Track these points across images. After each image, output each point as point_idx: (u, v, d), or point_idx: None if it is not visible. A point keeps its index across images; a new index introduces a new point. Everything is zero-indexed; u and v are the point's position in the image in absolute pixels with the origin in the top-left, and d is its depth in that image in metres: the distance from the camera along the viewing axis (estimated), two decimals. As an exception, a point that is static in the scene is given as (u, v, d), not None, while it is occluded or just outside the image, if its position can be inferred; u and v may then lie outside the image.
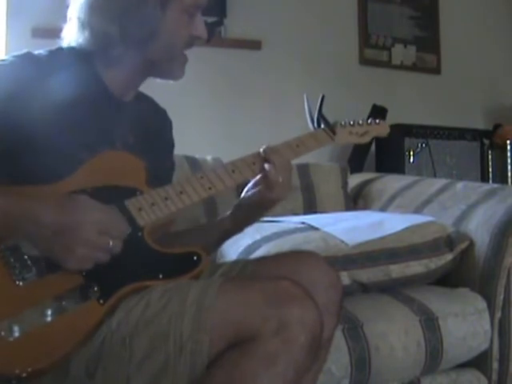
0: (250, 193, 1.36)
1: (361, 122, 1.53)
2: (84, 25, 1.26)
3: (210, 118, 3.09)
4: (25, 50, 1.25)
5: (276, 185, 1.30)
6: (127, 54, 1.28)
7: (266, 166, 1.31)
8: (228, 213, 1.41)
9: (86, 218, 1.08)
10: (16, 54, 1.24)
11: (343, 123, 1.50)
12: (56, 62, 1.26)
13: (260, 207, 1.37)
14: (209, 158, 2.32)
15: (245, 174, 1.32)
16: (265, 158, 1.32)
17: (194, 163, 2.23)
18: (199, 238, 1.39)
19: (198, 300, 1.06)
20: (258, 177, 1.34)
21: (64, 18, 1.32)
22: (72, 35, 1.29)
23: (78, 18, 1.27)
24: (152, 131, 1.43)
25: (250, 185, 1.37)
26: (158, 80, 1.37)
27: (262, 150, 1.34)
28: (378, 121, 1.57)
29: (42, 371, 1.02)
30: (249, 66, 3.23)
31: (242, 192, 1.39)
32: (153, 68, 1.33)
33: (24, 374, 0.99)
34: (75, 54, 1.30)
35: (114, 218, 1.13)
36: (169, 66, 1.33)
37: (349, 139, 1.52)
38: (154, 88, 1.43)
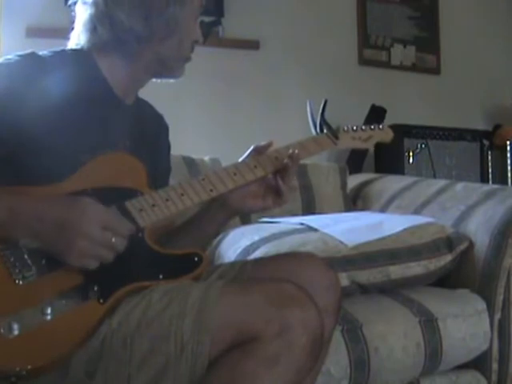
0: (260, 204, 1.37)
1: (364, 127, 1.52)
2: (104, 16, 1.27)
3: (208, 118, 3.09)
4: (29, 50, 1.25)
5: (286, 198, 1.35)
6: (144, 51, 1.30)
7: (281, 184, 1.33)
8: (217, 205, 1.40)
9: (89, 213, 1.08)
10: (20, 53, 1.24)
11: (346, 128, 1.49)
12: (60, 63, 1.26)
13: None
14: (206, 158, 2.32)
15: (246, 177, 1.33)
16: (274, 167, 1.34)
17: (191, 164, 2.22)
18: (197, 235, 1.40)
19: (199, 301, 1.06)
20: (255, 186, 1.36)
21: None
22: (82, 28, 1.30)
23: (96, 9, 1.27)
24: (150, 134, 1.44)
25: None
26: (154, 80, 1.39)
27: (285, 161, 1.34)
28: (381, 126, 1.55)
29: (42, 369, 1.02)
30: (247, 66, 3.22)
31: None
32: (161, 66, 1.35)
33: (23, 372, 1.00)
34: (78, 54, 1.30)
35: (118, 217, 1.13)
36: (176, 64, 1.36)
37: (352, 144, 1.51)
38: (153, 88, 1.43)
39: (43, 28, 2.63)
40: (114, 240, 1.09)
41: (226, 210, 1.38)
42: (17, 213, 1.07)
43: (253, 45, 3.22)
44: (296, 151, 1.34)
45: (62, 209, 1.08)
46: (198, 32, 1.37)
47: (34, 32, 2.69)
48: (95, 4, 1.27)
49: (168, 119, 1.53)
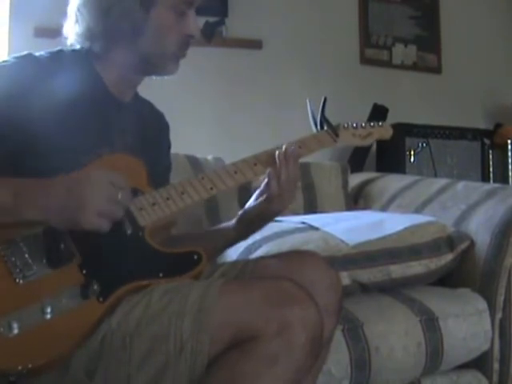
0: (251, 205, 1.38)
1: (363, 124, 1.52)
2: (78, 17, 1.29)
3: (211, 117, 3.09)
4: (26, 52, 1.26)
5: (276, 198, 1.34)
6: (118, 49, 1.29)
7: (271, 181, 1.33)
8: (232, 222, 1.43)
9: (92, 175, 1.09)
10: (17, 55, 1.24)
11: (346, 125, 1.50)
12: (57, 64, 1.27)
13: (262, 219, 1.41)
14: (210, 157, 2.32)
15: (247, 175, 1.33)
16: (273, 165, 1.34)
17: (195, 163, 2.22)
18: (201, 244, 1.39)
19: (199, 300, 1.06)
20: (263, 187, 1.36)
21: (66, 18, 1.33)
22: (70, 33, 1.32)
23: (74, 10, 1.30)
24: (150, 132, 1.44)
25: (255, 195, 1.39)
26: (154, 77, 1.38)
27: (276, 155, 1.34)
28: (381, 123, 1.56)
29: (42, 368, 1.02)
30: (250, 65, 3.23)
31: (244, 195, 1.39)
32: (147, 64, 1.32)
33: (23, 371, 1.00)
34: (76, 55, 1.31)
35: (115, 173, 1.14)
36: (161, 61, 1.33)
37: (351, 141, 1.51)
38: (156, 88, 1.43)
39: (51, 28, 2.61)
40: (120, 196, 1.10)
41: (264, 219, 1.42)
42: (21, 195, 1.07)
43: (256, 44, 3.23)
44: (292, 148, 1.34)
45: (65, 179, 1.09)
46: (191, 26, 1.31)
47: (43, 32, 2.70)
48: (74, 6, 1.30)
49: (171, 118, 1.53)
